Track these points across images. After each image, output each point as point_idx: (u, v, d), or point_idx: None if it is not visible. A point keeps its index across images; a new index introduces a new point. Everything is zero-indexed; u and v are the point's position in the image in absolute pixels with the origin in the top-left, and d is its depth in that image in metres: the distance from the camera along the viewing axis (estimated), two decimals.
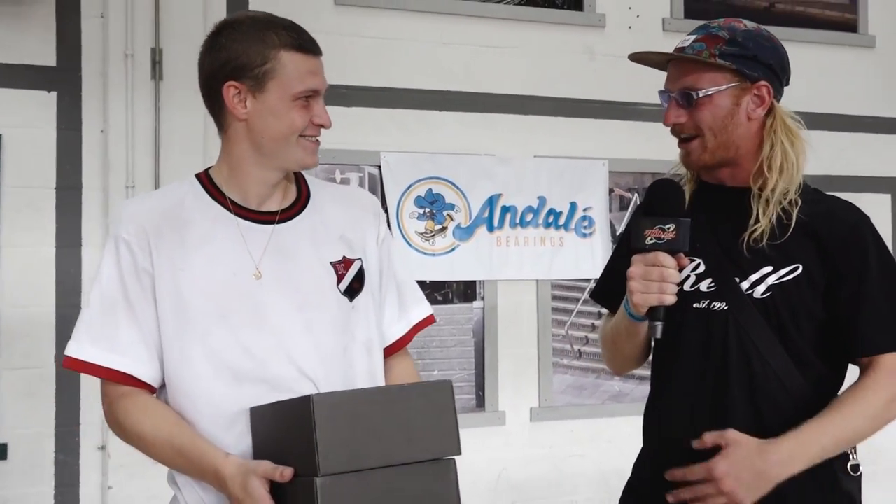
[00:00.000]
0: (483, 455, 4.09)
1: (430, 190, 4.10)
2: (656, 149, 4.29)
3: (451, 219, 4.13)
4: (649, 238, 1.60)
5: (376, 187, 4.01)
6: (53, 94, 3.64)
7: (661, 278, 1.58)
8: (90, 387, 3.53)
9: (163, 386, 1.63)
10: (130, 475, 3.55)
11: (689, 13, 4.45)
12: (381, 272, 1.78)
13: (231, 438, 1.55)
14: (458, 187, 4.15)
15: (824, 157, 4.61)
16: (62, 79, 3.65)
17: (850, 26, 4.90)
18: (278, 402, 1.50)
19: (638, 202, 4.42)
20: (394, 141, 4.01)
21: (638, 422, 4.51)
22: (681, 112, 1.72)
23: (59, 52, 3.65)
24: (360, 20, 4.01)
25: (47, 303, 3.60)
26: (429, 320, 1.87)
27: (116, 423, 1.60)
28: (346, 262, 1.68)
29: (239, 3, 3.85)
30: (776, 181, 1.67)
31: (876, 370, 1.62)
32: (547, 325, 4.29)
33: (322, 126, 1.65)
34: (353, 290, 1.68)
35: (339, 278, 1.66)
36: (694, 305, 1.70)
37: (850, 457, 1.67)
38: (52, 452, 3.58)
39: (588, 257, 4.32)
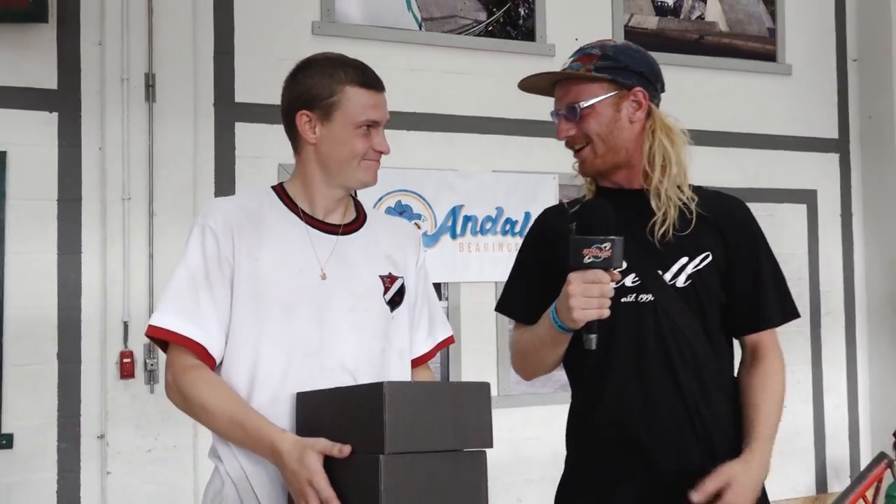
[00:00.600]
0: None
1: (400, 201, 4.19)
2: None
3: (419, 227, 4.20)
4: (587, 257, 1.56)
5: None
6: (55, 115, 3.69)
7: (601, 294, 1.56)
8: (90, 380, 3.67)
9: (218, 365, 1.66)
10: (128, 462, 3.62)
11: None
12: (416, 294, 1.83)
13: (275, 417, 1.57)
14: (424, 199, 4.24)
15: (748, 171, 5.01)
16: (63, 100, 3.70)
17: (770, 56, 5.10)
18: (338, 388, 1.57)
19: None
20: None
21: None
22: (570, 125, 1.75)
23: (60, 76, 3.70)
24: (335, 47, 3.78)
25: (50, 305, 3.64)
26: (450, 340, 1.92)
27: (180, 392, 1.60)
28: (391, 278, 1.75)
29: (226, 33, 3.95)
30: (661, 177, 1.70)
31: (765, 348, 1.76)
32: (504, 322, 4.28)
33: (381, 153, 1.71)
34: (394, 303, 1.74)
35: (386, 290, 1.73)
36: (622, 300, 1.67)
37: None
38: (54, 441, 3.61)
39: None
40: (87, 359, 3.70)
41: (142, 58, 3.75)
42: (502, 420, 4.23)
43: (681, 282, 1.70)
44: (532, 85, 1.84)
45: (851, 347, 5.37)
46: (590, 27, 4.60)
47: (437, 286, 4.18)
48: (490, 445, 1.52)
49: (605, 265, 1.56)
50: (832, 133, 5.34)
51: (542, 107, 4.80)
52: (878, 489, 4.89)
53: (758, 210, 1.94)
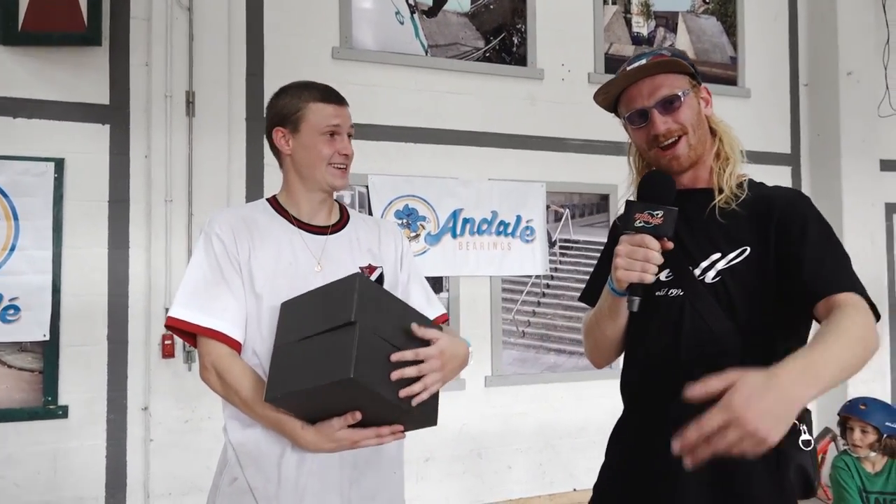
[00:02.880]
0: (447, 413, 4.06)
1: (407, 205, 4.21)
2: (583, 175, 4.60)
3: (424, 228, 4.23)
4: (638, 221, 1.45)
5: (364, 203, 4.11)
6: (107, 127, 3.71)
7: (645, 258, 1.42)
8: (136, 359, 3.70)
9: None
10: (168, 430, 3.65)
11: (609, 69, 4.61)
12: (409, 275, 1.86)
13: None
14: (428, 203, 4.26)
15: None
16: (114, 114, 3.72)
17: (732, 81, 5.13)
18: (319, 287, 1.58)
19: (568, 216, 4.63)
20: (378, 166, 4.10)
21: (568, 388, 4.82)
22: (667, 118, 1.53)
23: (111, 92, 3.73)
24: (353, 70, 4.12)
25: (101, 293, 3.68)
26: (445, 317, 1.90)
27: (218, 375, 1.63)
28: (371, 268, 1.78)
29: (256, 57, 3.98)
30: (729, 170, 1.54)
31: (839, 306, 1.32)
32: (498, 311, 4.40)
33: (346, 155, 1.74)
34: None
35: None
36: (656, 294, 1.53)
37: (802, 432, 1.43)
38: (104, 412, 3.65)
39: (530, 258, 4.45)
40: (133, 340, 3.72)
41: (183, 78, 3.76)
42: (495, 397, 4.39)
43: (709, 278, 1.49)
44: (609, 94, 1.60)
45: None
46: (574, 55, 4.68)
47: (439, 279, 4.28)
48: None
49: (654, 232, 1.44)
50: (786, 148, 5.36)
51: (532, 123, 4.86)
52: (822, 460, 4.94)
53: None
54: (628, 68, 1.57)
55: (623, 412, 1.67)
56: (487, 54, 4.47)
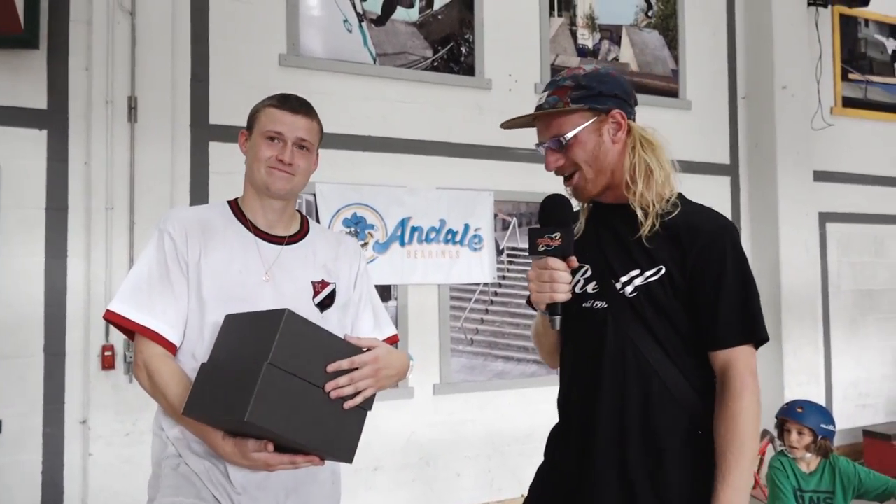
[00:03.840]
0: (396, 422, 4.21)
1: (355, 213, 4.18)
2: (530, 183, 4.63)
3: (372, 236, 4.21)
4: (541, 246, 1.55)
5: (311, 211, 4.07)
6: (44, 132, 3.61)
7: (552, 279, 1.52)
8: (74, 371, 3.59)
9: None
10: (108, 444, 3.55)
11: None
12: (360, 295, 1.86)
13: None
14: (377, 211, 4.24)
15: None
16: (52, 119, 3.61)
17: (674, 93, 5.25)
18: (256, 312, 1.57)
19: (516, 224, 4.65)
20: (326, 175, 4.03)
21: (516, 395, 4.85)
22: (557, 156, 1.63)
23: (49, 97, 3.62)
24: (300, 78, 4.07)
25: (37, 303, 3.56)
26: (394, 338, 1.90)
27: (147, 376, 1.64)
28: (323, 284, 1.78)
29: (201, 62, 3.91)
30: (643, 189, 1.58)
31: (732, 370, 1.50)
32: (446, 319, 4.40)
33: (281, 160, 1.70)
34: (324, 304, 1.76)
35: (315, 294, 1.76)
36: (583, 305, 1.62)
37: (699, 431, 1.54)
38: (39, 426, 3.53)
39: (478, 267, 4.47)
40: (71, 352, 3.62)
41: (125, 82, 3.69)
42: (443, 404, 4.39)
43: (628, 292, 1.56)
44: (513, 125, 1.73)
45: None
46: (521, 65, 4.73)
47: (388, 287, 4.26)
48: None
49: (557, 253, 1.54)
50: (725, 159, 5.49)
51: (480, 132, 4.88)
52: (761, 461, 5.08)
53: None
54: (536, 105, 1.66)
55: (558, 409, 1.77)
56: (436, 64, 4.49)
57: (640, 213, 1.57)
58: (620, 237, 1.61)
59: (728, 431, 1.48)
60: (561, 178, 1.71)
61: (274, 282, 1.70)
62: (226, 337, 1.60)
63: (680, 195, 1.64)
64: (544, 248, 1.55)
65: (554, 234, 1.54)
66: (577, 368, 1.67)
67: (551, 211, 1.59)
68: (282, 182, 1.72)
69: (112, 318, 1.67)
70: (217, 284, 1.68)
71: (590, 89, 1.61)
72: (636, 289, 1.55)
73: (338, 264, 1.83)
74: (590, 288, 1.62)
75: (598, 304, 1.60)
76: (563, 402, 1.73)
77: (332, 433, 1.52)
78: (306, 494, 1.72)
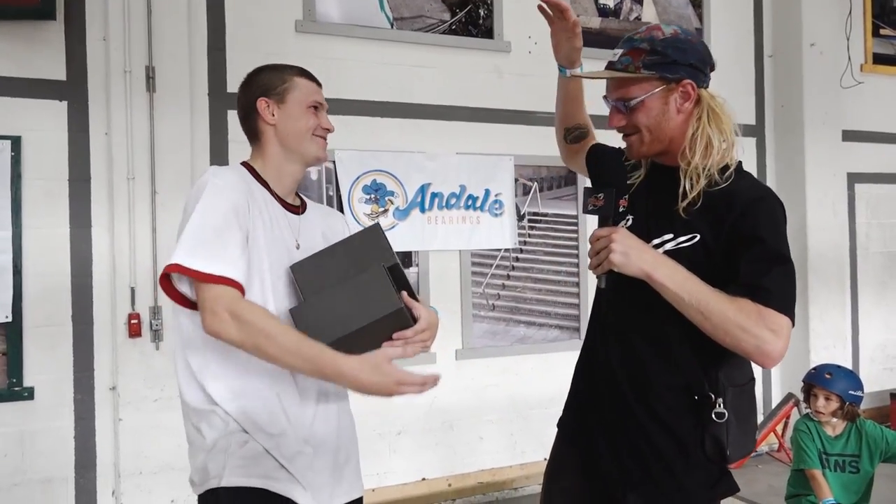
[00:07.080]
0: None
1: (375, 180, 4.14)
2: (551, 148, 4.51)
3: (392, 203, 4.18)
4: (589, 206, 1.61)
5: (332, 178, 4.04)
6: (64, 103, 3.59)
7: (597, 250, 1.56)
8: (102, 339, 3.62)
9: None
10: (137, 409, 3.59)
11: None
12: None
13: None
14: (396, 178, 4.20)
15: None
16: (71, 90, 3.59)
17: None
18: (327, 247, 1.70)
19: (536, 189, 4.61)
20: (345, 141, 3.98)
21: (538, 360, 4.81)
22: (620, 117, 1.63)
23: (68, 68, 3.59)
24: (318, 45, 4.03)
25: (64, 273, 3.58)
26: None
27: (239, 318, 1.48)
28: None
29: (218, 30, 3.86)
30: (701, 160, 1.57)
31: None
32: (467, 285, 4.38)
33: (328, 130, 1.76)
34: None
35: None
36: None
37: (717, 405, 1.55)
38: (71, 393, 3.58)
39: (499, 232, 4.42)
40: (99, 320, 3.64)
41: (142, 52, 3.64)
42: (465, 370, 4.39)
43: None
44: (587, 76, 1.77)
45: None
46: (541, 27, 4.48)
47: (409, 254, 4.24)
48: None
49: (599, 212, 1.62)
50: (751, 120, 5.35)
51: (499, 96, 4.78)
52: (786, 424, 5.02)
53: None
54: (609, 60, 1.66)
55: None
56: (453, 27, 4.39)
57: (687, 183, 1.57)
58: (664, 201, 1.61)
59: (736, 317, 1.44)
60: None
61: (302, 250, 1.73)
62: (308, 276, 1.65)
63: (738, 167, 1.62)
64: (591, 207, 1.62)
65: (599, 195, 1.61)
66: (601, 318, 1.75)
67: (600, 173, 1.73)
68: (325, 150, 1.80)
69: (184, 272, 1.51)
70: (262, 248, 1.64)
71: (664, 56, 1.57)
72: (665, 252, 1.56)
73: (331, 231, 1.88)
74: None
75: None
76: (587, 342, 1.82)
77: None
78: (354, 457, 1.81)
